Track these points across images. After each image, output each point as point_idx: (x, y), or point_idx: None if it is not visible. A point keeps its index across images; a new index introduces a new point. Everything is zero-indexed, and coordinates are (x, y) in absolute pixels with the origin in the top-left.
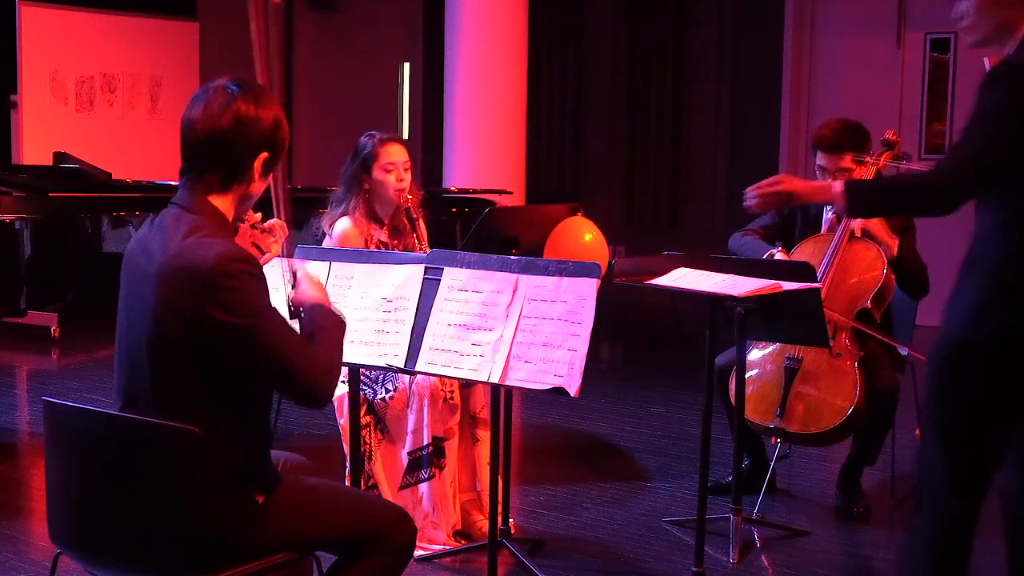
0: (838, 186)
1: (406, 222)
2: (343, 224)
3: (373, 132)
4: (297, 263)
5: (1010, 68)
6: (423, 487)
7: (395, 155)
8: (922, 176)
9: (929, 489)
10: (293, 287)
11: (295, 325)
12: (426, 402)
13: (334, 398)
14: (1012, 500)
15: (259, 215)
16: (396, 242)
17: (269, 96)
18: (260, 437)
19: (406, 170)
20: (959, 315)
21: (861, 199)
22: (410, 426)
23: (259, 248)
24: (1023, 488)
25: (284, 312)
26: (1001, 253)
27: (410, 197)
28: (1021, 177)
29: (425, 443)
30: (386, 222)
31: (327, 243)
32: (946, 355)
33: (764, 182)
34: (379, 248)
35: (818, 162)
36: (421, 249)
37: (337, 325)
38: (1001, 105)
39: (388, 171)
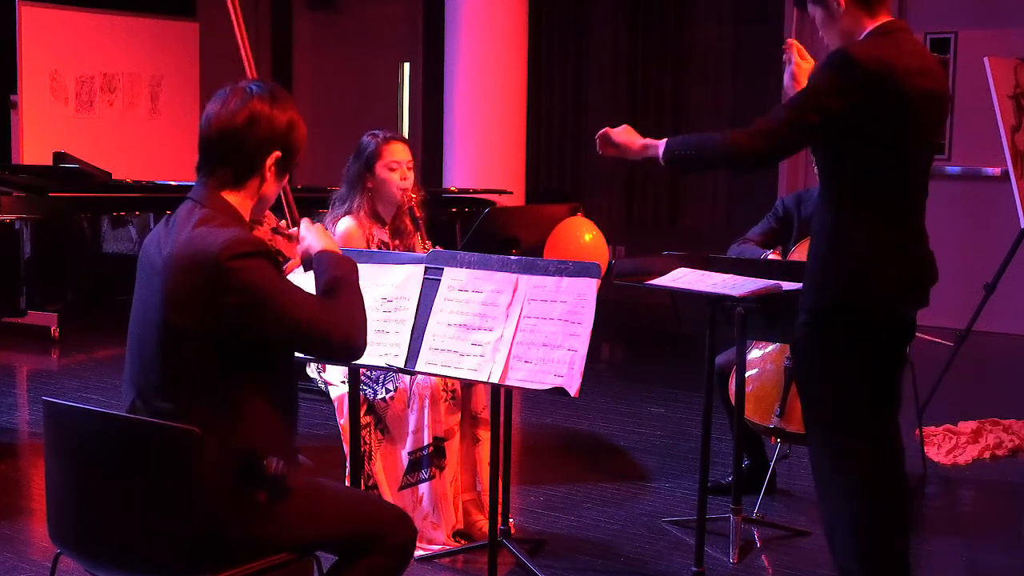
0: (663, 142)
1: (408, 222)
2: (346, 223)
3: (376, 131)
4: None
5: (840, 52)
6: (423, 487)
7: (399, 154)
8: (734, 132)
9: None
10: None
11: (310, 277)
12: (427, 402)
13: (334, 398)
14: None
15: (284, 222)
16: (397, 242)
17: (287, 99)
18: (265, 433)
19: (409, 169)
20: (805, 283)
21: (675, 147)
22: (410, 426)
23: (282, 255)
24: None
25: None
26: (823, 225)
27: (413, 196)
28: (833, 151)
29: (425, 443)
30: (388, 222)
31: None
32: (802, 329)
33: (601, 135)
34: (380, 248)
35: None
36: (424, 249)
37: (350, 268)
38: (828, 83)
39: (392, 169)
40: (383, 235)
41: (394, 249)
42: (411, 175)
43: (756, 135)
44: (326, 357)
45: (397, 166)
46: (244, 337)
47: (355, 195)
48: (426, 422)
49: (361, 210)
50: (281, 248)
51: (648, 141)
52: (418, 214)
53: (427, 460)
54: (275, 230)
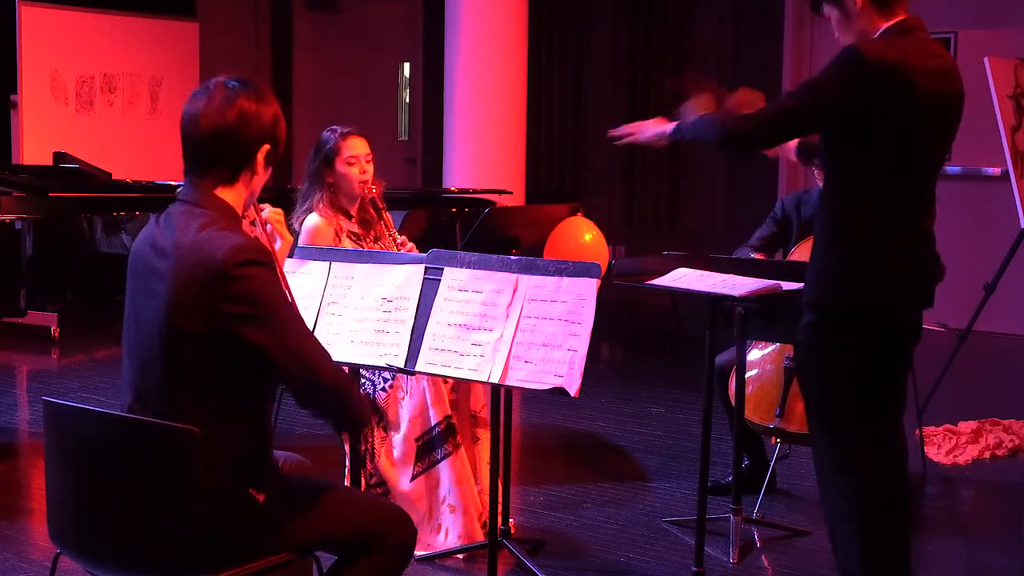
0: (673, 125)
1: (372, 212)
2: (312, 220)
3: (335, 127)
4: None
5: (851, 49)
6: (442, 469)
7: (357, 148)
8: (736, 116)
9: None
10: None
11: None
12: (424, 382)
13: None
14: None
15: (251, 211)
16: (366, 233)
17: (268, 92)
18: (264, 433)
19: (368, 162)
20: (807, 283)
21: (683, 125)
22: (411, 412)
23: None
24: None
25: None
26: (825, 226)
27: (373, 188)
28: (839, 151)
29: (434, 423)
30: (354, 214)
31: (300, 241)
32: (805, 330)
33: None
34: (351, 239)
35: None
36: (390, 237)
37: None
38: (832, 79)
39: (351, 164)
40: (351, 227)
41: (364, 240)
42: (370, 168)
43: (753, 119)
44: (308, 394)
45: (355, 160)
46: (241, 343)
47: (315, 190)
48: (429, 402)
49: (322, 203)
50: (263, 241)
51: (660, 129)
52: (380, 204)
53: (440, 439)
54: (253, 223)
